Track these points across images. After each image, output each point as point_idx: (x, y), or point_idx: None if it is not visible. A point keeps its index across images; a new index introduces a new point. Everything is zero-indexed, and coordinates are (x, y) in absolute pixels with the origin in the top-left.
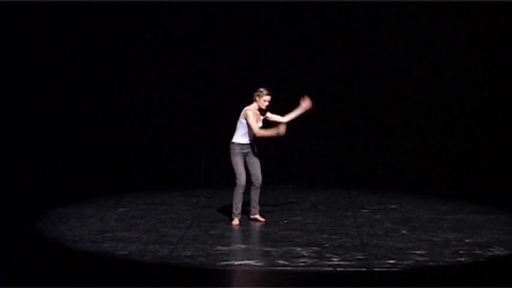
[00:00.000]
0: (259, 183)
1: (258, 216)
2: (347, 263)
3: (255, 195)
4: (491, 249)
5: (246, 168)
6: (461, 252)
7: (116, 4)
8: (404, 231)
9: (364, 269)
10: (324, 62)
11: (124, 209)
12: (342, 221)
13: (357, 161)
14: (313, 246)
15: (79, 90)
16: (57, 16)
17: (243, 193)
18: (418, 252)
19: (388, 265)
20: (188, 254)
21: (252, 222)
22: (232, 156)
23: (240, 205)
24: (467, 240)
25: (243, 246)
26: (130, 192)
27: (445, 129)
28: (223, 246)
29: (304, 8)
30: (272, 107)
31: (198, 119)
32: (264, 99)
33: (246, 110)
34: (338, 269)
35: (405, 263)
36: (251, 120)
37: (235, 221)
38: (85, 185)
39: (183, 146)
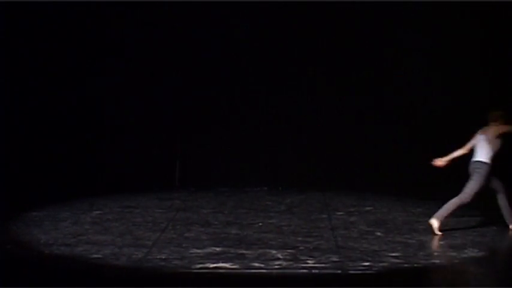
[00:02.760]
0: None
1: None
2: (322, 265)
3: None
4: (465, 250)
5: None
6: (435, 254)
7: (95, 3)
8: (379, 234)
9: (339, 271)
10: (304, 65)
11: (98, 212)
12: (317, 223)
13: (331, 164)
14: (288, 248)
15: (52, 93)
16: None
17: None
18: (393, 254)
19: (363, 267)
20: (163, 257)
21: (229, 226)
22: (481, 176)
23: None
24: (441, 242)
25: (217, 249)
26: (104, 196)
27: (419, 133)
28: (198, 249)
29: (298, 9)
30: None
31: (173, 121)
32: None
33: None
34: (313, 271)
35: (380, 265)
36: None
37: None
38: (59, 188)
39: (157, 149)
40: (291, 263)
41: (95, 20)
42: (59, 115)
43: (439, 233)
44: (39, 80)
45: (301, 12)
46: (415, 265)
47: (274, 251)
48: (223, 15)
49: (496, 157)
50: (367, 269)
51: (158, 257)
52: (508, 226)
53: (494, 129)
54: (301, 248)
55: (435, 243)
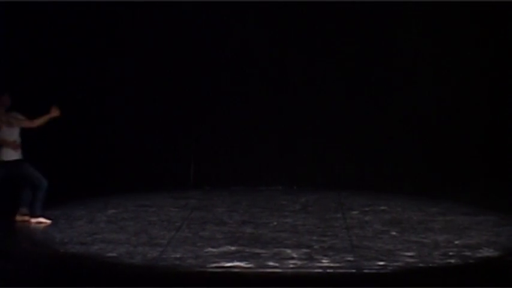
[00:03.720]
0: None
1: None
2: (337, 264)
3: None
4: (481, 250)
5: None
6: (450, 253)
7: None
8: (394, 233)
9: (353, 271)
10: (314, 63)
11: (113, 211)
12: (332, 222)
13: (346, 163)
14: (303, 247)
15: (67, 90)
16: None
17: None
18: (408, 253)
19: (378, 267)
20: (178, 256)
21: (244, 225)
22: None
23: None
24: (456, 242)
25: (232, 248)
26: (119, 194)
27: (434, 131)
28: (213, 248)
29: (303, 9)
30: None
31: (188, 119)
32: None
33: None
34: (328, 271)
35: (395, 264)
36: None
37: None
38: (74, 187)
39: (172, 147)
40: (305, 262)
41: (105, 19)
42: (75, 114)
43: None
44: (54, 77)
45: (306, 12)
46: (430, 264)
47: (289, 250)
48: (230, 14)
49: None
50: (381, 269)
51: (173, 256)
52: None
53: None
54: (316, 247)
55: (450, 242)
